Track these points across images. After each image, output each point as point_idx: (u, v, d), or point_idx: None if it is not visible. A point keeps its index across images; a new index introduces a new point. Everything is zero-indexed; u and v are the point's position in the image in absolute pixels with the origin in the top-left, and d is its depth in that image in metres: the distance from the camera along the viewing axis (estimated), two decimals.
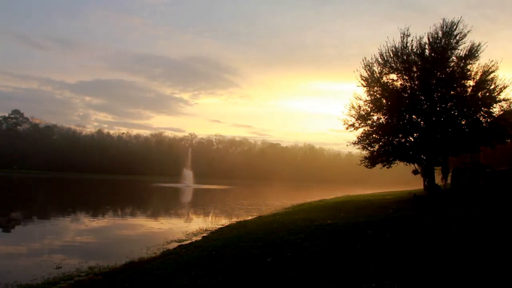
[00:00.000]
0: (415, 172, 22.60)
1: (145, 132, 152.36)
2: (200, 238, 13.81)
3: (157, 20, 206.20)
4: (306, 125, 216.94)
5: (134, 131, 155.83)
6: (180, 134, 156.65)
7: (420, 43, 18.84)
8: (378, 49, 19.60)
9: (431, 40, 18.64)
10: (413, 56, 19.05)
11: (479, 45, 18.20)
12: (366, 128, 20.42)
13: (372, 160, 20.77)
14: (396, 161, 20.93)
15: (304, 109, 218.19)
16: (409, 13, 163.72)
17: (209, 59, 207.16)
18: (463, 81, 18.72)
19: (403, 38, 18.88)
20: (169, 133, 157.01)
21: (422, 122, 19.55)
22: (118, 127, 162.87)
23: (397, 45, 19.09)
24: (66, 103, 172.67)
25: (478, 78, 18.26)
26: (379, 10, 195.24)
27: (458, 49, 18.58)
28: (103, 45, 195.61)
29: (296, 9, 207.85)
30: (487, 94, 18.11)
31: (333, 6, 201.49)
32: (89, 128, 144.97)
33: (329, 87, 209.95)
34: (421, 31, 18.88)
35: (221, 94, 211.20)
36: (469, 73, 18.48)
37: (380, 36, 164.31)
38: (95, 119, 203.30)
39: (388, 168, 21.44)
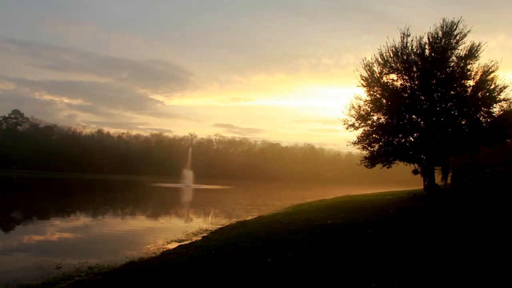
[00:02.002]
0: (415, 172, 22.59)
1: (130, 132, 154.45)
2: (200, 238, 13.81)
3: (118, 26, 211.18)
4: (291, 125, 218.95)
5: (134, 131, 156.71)
6: (171, 135, 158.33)
7: (420, 43, 18.84)
8: (378, 49, 19.62)
9: (431, 40, 18.63)
10: (413, 56, 19.04)
11: (479, 45, 18.21)
12: (366, 128, 20.41)
13: (372, 160, 20.76)
14: (396, 161, 20.91)
15: (291, 110, 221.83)
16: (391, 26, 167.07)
17: (183, 64, 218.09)
18: (463, 81, 18.72)
19: (403, 38, 18.89)
20: (168, 133, 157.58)
21: (422, 122, 19.55)
22: (107, 128, 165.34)
23: (397, 45, 19.09)
24: (49, 104, 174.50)
25: (478, 78, 18.27)
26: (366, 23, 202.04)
27: (458, 49, 18.59)
28: (66, 49, 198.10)
29: (292, 24, 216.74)
30: (487, 94, 18.10)
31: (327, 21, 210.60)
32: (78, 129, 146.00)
33: (315, 91, 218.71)
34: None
35: (203, 96, 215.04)
36: (469, 73, 18.48)
37: (363, 47, 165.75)
38: (82, 120, 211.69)
39: (388, 168, 21.43)
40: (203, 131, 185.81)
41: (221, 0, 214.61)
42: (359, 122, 20.36)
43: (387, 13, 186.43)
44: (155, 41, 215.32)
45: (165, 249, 11.80)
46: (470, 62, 18.47)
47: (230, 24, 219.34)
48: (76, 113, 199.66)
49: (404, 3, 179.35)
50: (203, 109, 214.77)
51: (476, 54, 18.26)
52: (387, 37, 19.37)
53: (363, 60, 19.97)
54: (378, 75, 19.71)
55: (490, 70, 18.08)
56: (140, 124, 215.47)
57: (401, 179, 55.83)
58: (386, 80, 19.82)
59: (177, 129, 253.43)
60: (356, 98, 20.45)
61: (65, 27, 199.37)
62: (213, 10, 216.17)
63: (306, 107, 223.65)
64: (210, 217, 23.12)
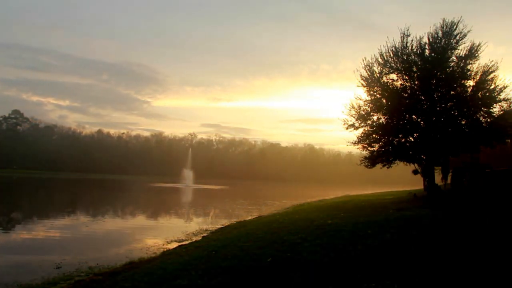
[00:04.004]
0: (415, 172, 22.56)
1: (130, 133, 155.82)
2: (200, 238, 13.83)
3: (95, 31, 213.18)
4: (278, 125, 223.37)
5: (134, 132, 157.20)
6: (171, 135, 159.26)
7: (420, 43, 18.81)
8: (378, 49, 19.58)
9: (431, 40, 18.61)
10: (413, 56, 19.02)
11: (479, 45, 18.17)
12: (366, 128, 20.38)
13: (372, 160, 20.74)
14: (396, 161, 20.89)
15: (280, 111, 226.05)
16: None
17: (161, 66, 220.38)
18: (463, 81, 18.69)
19: (403, 38, 18.84)
20: (168, 133, 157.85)
21: (422, 122, 19.52)
22: (99, 128, 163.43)
23: (397, 45, 19.05)
24: (38, 105, 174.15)
25: (478, 78, 18.23)
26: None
27: (458, 49, 18.53)
28: (44, 51, 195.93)
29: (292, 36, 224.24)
30: (487, 94, 18.07)
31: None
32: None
33: (305, 93, 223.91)
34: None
35: (186, 98, 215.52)
36: (469, 73, 18.44)
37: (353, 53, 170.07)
38: (74, 121, 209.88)
39: (388, 168, 21.41)
40: (191, 131, 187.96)
41: (222, 11, 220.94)
42: (359, 122, 20.35)
43: (377, 22, 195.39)
44: (127, 44, 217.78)
45: (165, 249, 11.81)
46: (470, 62, 18.44)
47: (229, 32, 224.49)
48: (66, 114, 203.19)
49: (389, 14, 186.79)
50: (190, 110, 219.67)
51: (476, 54, 18.24)
52: (387, 37, 19.33)
53: (363, 60, 19.96)
54: (378, 75, 19.68)
55: (490, 70, 18.06)
56: (130, 124, 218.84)
57: (401, 179, 55.87)
58: (386, 80, 19.80)
59: (167, 129, 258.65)
60: (356, 98, 20.45)
61: (37, 31, 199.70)
62: (213, 20, 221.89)
63: (294, 109, 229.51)
64: (210, 217, 23.13)
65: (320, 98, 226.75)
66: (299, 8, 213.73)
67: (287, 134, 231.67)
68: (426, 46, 18.79)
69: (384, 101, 19.77)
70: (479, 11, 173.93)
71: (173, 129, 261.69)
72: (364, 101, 20.19)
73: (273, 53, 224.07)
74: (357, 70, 20.03)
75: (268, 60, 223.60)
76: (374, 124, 20.21)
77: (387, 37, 19.29)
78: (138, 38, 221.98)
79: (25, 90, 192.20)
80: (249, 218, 20.50)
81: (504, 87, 17.95)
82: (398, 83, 19.77)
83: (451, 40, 18.40)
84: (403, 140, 20.25)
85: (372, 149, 20.73)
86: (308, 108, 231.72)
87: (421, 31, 18.69)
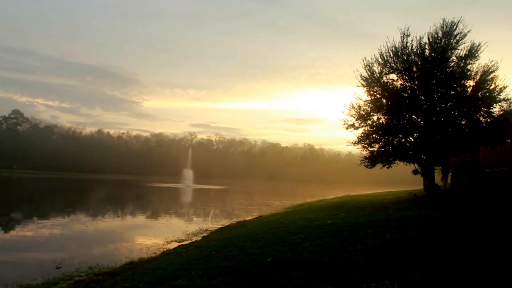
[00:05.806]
0: (415, 172, 22.58)
1: (130, 133, 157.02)
2: (200, 238, 13.83)
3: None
4: (266, 125, 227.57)
5: (134, 132, 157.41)
6: (172, 135, 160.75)
7: (420, 43, 18.81)
8: (378, 49, 19.59)
9: (431, 40, 18.61)
10: (413, 56, 19.02)
11: (479, 45, 18.17)
12: (366, 128, 20.40)
13: (372, 160, 20.76)
14: (396, 161, 20.91)
15: (270, 112, 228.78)
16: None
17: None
18: (463, 81, 18.69)
19: (403, 38, 18.85)
20: (168, 133, 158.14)
21: (422, 122, 19.53)
22: (93, 128, 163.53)
23: (397, 45, 19.06)
24: (29, 106, 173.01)
25: (478, 78, 18.23)
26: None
27: (458, 49, 18.54)
28: (27, 52, 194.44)
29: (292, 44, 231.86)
30: (487, 94, 18.08)
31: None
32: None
33: (294, 93, 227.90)
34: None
35: (170, 100, 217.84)
36: (469, 73, 18.45)
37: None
38: (67, 121, 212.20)
39: (388, 168, 21.43)
40: (180, 130, 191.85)
41: (222, 19, 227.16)
42: (359, 122, 20.37)
43: (365, 30, 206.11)
44: (106, 47, 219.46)
45: (165, 249, 11.81)
46: (470, 62, 18.45)
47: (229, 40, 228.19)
48: (58, 115, 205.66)
49: (378, 22, 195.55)
50: (178, 111, 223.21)
51: (476, 54, 18.24)
52: (387, 37, 19.37)
53: (363, 60, 19.98)
54: (378, 75, 19.69)
55: (490, 70, 18.06)
56: (121, 124, 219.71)
57: (401, 179, 55.91)
58: (386, 80, 19.81)
59: (157, 129, 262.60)
60: (356, 98, 20.47)
61: (16, 32, 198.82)
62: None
63: (290, 110, 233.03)
64: (210, 217, 23.13)
65: (315, 99, 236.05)
66: (296, 17, 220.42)
67: (279, 134, 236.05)
68: (426, 46, 18.79)
69: (384, 101, 19.79)
70: (469, 19, 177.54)
71: (162, 129, 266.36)
72: (364, 101, 20.22)
73: (273, 58, 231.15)
74: (357, 70, 20.07)
75: (265, 65, 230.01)
76: (374, 124, 20.23)
77: (387, 37, 19.31)
78: (119, 41, 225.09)
79: (13, 91, 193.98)
80: (249, 218, 20.51)
81: (504, 87, 17.96)
82: (398, 83, 19.78)
83: (451, 40, 18.40)
84: (403, 140, 20.27)
85: (372, 149, 20.76)
86: (303, 110, 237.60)
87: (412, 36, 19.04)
